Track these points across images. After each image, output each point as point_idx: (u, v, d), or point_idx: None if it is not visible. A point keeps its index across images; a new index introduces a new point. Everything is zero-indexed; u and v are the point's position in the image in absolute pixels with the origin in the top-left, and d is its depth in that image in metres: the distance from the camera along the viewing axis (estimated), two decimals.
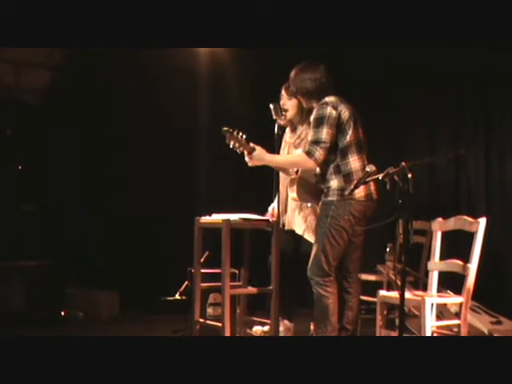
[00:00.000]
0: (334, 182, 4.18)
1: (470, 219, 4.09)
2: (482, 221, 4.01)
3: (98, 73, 6.34)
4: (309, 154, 4.13)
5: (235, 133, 4.21)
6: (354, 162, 4.18)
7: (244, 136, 4.23)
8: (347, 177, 4.15)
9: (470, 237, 4.05)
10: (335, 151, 4.18)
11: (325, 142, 4.11)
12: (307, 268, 4.24)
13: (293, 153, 4.68)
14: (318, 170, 4.30)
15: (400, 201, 3.44)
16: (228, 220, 4.31)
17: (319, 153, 4.11)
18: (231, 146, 4.22)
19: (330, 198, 4.19)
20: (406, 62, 6.03)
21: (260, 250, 4.75)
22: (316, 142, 4.12)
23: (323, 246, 4.16)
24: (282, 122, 4.64)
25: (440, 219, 4.30)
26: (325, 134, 4.11)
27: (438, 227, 4.28)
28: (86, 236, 6.31)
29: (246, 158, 4.29)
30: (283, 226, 4.74)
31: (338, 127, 4.15)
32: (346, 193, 4.10)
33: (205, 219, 4.53)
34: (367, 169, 3.77)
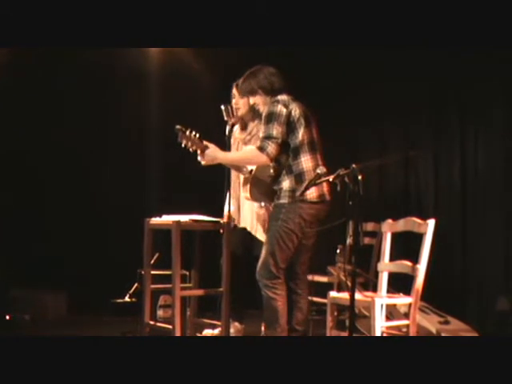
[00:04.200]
0: (286, 183, 4.16)
1: (419, 221, 4.14)
2: (431, 222, 4.06)
3: (46, 72, 6.23)
4: (261, 148, 4.10)
5: (188, 132, 4.17)
6: (306, 161, 4.17)
7: (197, 134, 4.20)
8: (298, 177, 4.14)
9: (419, 238, 4.10)
10: (288, 151, 4.18)
11: (276, 138, 4.10)
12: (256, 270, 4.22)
13: (243, 149, 4.68)
14: (271, 171, 4.29)
15: (350, 202, 3.45)
16: (178, 221, 4.27)
17: (271, 147, 4.09)
18: (183, 145, 4.19)
19: (281, 201, 4.17)
20: (358, 63, 6.07)
21: (210, 251, 4.73)
22: (267, 137, 4.10)
23: (272, 248, 4.14)
24: (233, 122, 4.65)
25: (390, 221, 4.34)
26: (275, 130, 4.10)
27: (388, 228, 4.32)
28: (32, 236, 6.19)
29: (199, 158, 4.25)
30: (237, 223, 4.74)
31: (289, 125, 4.14)
32: (297, 194, 4.09)
33: (155, 220, 4.48)
34: (318, 170, 3.78)
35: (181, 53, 6.47)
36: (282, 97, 4.21)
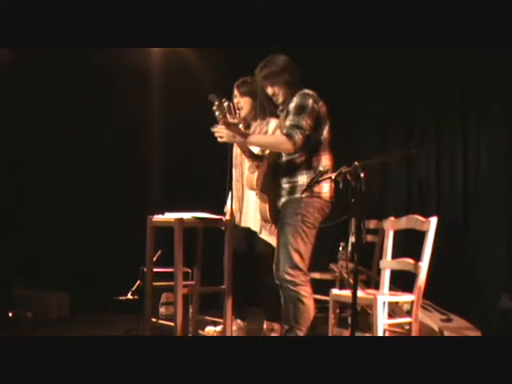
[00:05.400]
0: (303, 178, 4.04)
1: (421, 218, 4.13)
2: (433, 220, 4.06)
3: (49, 72, 6.22)
4: (288, 135, 3.94)
5: (223, 101, 4.05)
6: (325, 160, 4.07)
7: (231, 105, 4.09)
8: (320, 173, 3.94)
9: (420, 236, 4.10)
10: (309, 146, 4.05)
11: (304, 129, 3.96)
12: (277, 270, 4.01)
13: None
14: (283, 159, 4.14)
15: (352, 200, 3.44)
16: (181, 219, 4.27)
17: (298, 137, 3.94)
18: (216, 115, 4.04)
19: (297, 195, 4.04)
20: (358, 60, 6.06)
21: (213, 248, 4.73)
22: (296, 126, 3.96)
23: (296, 244, 3.97)
24: (235, 121, 4.63)
25: (392, 218, 4.34)
26: (304, 121, 3.97)
27: (390, 226, 4.32)
28: (34, 235, 6.19)
29: (221, 131, 4.04)
30: (238, 223, 4.73)
31: (317, 121, 4.04)
32: (315, 189, 3.98)
33: (157, 218, 4.48)
34: (320, 168, 3.77)
35: (182, 52, 6.46)
36: (311, 92, 4.10)
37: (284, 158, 4.14)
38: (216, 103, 4.03)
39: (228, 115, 4.06)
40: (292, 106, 4.06)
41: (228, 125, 4.05)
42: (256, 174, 4.19)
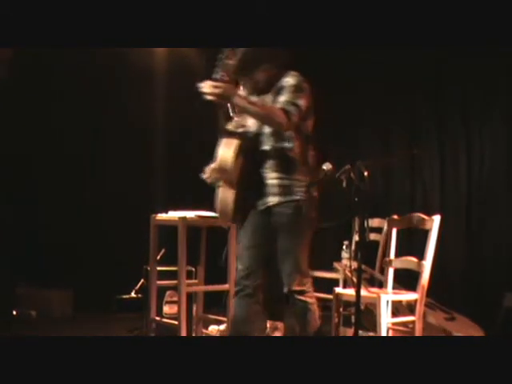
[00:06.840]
0: (302, 176, 3.61)
1: (424, 217, 4.13)
2: (437, 218, 4.06)
3: (50, 72, 6.23)
4: (285, 111, 3.48)
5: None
6: (312, 155, 3.69)
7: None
8: (311, 171, 3.66)
9: (422, 234, 4.10)
10: (301, 138, 3.63)
11: (301, 108, 3.54)
12: (288, 283, 3.62)
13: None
14: (268, 148, 3.64)
15: (356, 199, 3.44)
16: (184, 217, 4.28)
17: (294, 114, 3.50)
18: (220, 67, 3.69)
19: (296, 197, 3.59)
20: (358, 60, 6.05)
21: (216, 247, 4.73)
22: (293, 103, 3.52)
23: (302, 252, 3.61)
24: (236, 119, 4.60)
25: (395, 217, 4.34)
26: (302, 101, 3.55)
27: (394, 224, 4.31)
28: (37, 234, 6.20)
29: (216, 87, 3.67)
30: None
31: (307, 110, 3.63)
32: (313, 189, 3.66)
33: (161, 216, 4.49)
34: (324, 167, 3.74)
35: (183, 52, 6.46)
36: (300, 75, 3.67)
37: (269, 147, 3.63)
38: (225, 55, 3.66)
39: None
40: (287, 84, 3.61)
41: (229, 82, 3.61)
42: (232, 152, 3.59)
